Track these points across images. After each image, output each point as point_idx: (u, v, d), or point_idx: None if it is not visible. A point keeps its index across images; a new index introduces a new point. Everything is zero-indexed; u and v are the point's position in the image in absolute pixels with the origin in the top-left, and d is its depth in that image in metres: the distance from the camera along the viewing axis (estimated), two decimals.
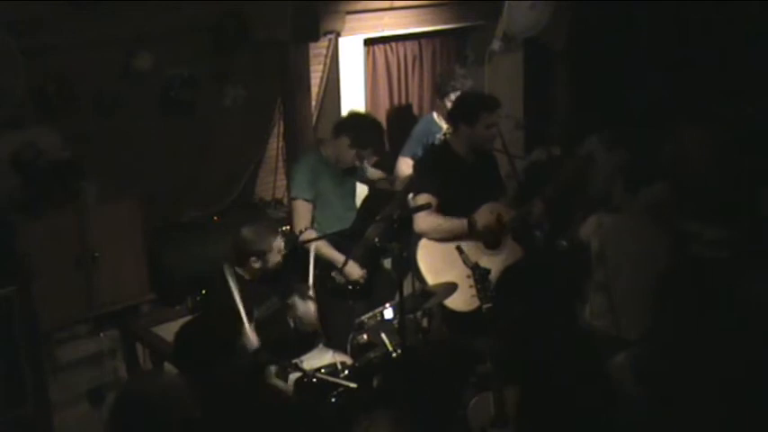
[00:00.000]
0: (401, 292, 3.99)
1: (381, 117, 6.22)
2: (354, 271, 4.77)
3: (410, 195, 4.97)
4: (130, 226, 4.77)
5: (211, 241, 5.03)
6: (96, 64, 4.81)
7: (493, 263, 4.56)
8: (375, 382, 4.17)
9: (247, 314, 4.08)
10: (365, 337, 4.38)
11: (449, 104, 5.42)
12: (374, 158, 5.20)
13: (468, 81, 5.60)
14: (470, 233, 4.62)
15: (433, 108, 5.99)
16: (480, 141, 4.76)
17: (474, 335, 4.31)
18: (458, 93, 5.37)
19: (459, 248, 4.24)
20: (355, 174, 5.07)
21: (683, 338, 3.99)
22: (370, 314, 4.43)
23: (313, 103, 5.77)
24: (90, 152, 4.72)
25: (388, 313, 4.38)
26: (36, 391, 4.27)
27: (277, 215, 5.48)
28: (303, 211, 4.75)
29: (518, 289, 4.72)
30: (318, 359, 4.31)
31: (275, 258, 4.34)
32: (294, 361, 4.09)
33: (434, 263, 4.63)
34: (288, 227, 4.76)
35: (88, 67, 4.78)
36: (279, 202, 5.82)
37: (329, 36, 5.71)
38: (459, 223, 4.62)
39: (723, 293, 3.95)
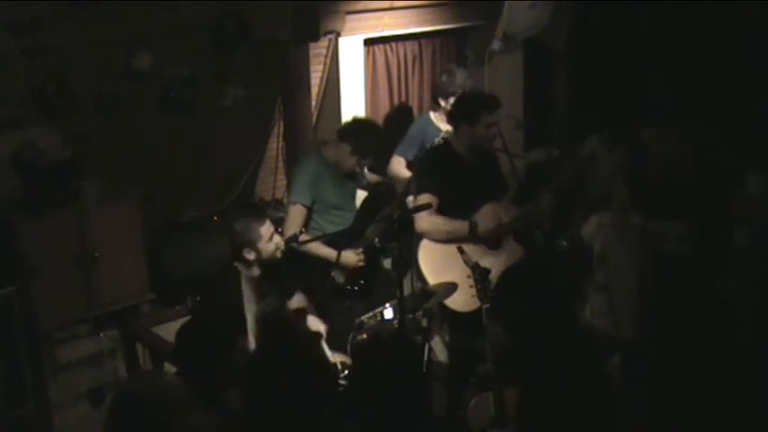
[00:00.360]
0: (401, 292, 3.99)
1: (381, 117, 6.23)
2: (350, 258, 4.74)
3: (409, 198, 4.98)
4: (130, 226, 4.77)
5: (211, 241, 5.02)
6: (96, 64, 4.81)
7: (493, 263, 4.56)
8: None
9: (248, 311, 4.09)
10: (365, 337, 4.38)
11: (448, 106, 5.42)
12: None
13: (468, 82, 5.60)
14: (471, 236, 4.61)
15: (430, 108, 5.99)
16: (480, 141, 4.76)
17: (474, 335, 4.31)
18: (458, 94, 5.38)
19: (460, 249, 4.25)
20: (356, 177, 5.06)
21: (666, 337, 4.00)
22: (370, 314, 4.42)
23: (313, 103, 5.77)
24: (90, 152, 4.72)
25: (388, 313, 4.38)
26: (36, 391, 4.26)
27: (277, 215, 5.48)
28: (297, 216, 4.72)
29: (518, 289, 4.72)
30: None
31: (267, 247, 4.36)
32: None
33: (435, 263, 4.62)
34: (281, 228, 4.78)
35: (88, 67, 4.78)
36: (279, 202, 5.82)
37: (329, 36, 5.71)
38: (460, 225, 4.62)
39: (697, 291, 3.96)
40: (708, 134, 4.58)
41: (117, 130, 4.95)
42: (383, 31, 6.03)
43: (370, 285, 4.88)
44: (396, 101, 6.41)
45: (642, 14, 6.31)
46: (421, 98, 6.53)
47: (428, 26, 6.26)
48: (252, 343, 4.09)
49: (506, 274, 4.68)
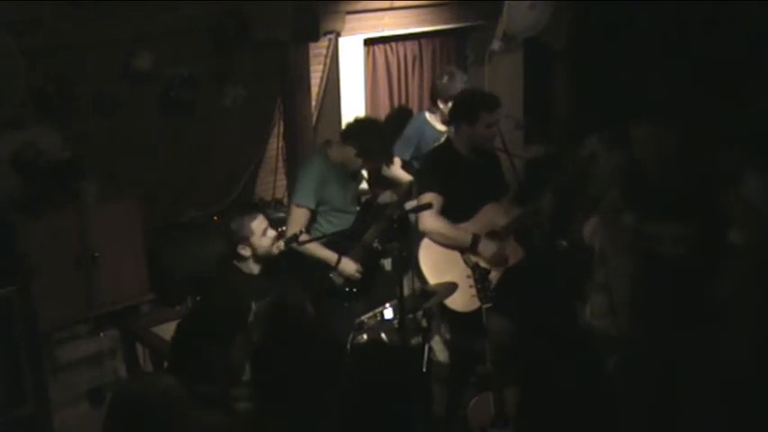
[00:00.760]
0: (401, 292, 3.99)
1: (381, 117, 6.23)
2: (348, 266, 4.75)
3: (408, 203, 4.98)
4: (130, 226, 4.77)
5: (211, 241, 5.03)
6: (96, 64, 4.81)
7: None
8: None
9: (248, 309, 4.10)
10: (365, 337, 4.38)
11: (446, 109, 5.42)
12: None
13: (466, 85, 5.60)
14: (471, 249, 4.61)
15: (427, 108, 5.99)
16: (480, 141, 4.76)
17: (474, 335, 4.31)
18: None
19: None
20: (358, 177, 5.06)
21: (661, 339, 4.00)
22: (370, 314, 4.43)
23: (313, 103, 5.77)
24: (90, 152, 4.72)
25: (388, 313, 4.38)
26: (36, 391, 4.26)
27: (277, 215, 5.48)
28: (300, 218, 4.72)
29: (518, 289, 4.72)
30: None
31: (262, 242, 4.38)
32: None
33: (435, 263, 4.63)
34: (285, 228, 4.78)
35: (88, 67, 4.78)
36: (279, 202, 5.82)
37: (329, 36, 5.71)
38: (463, 237, 4.61)
39: (693, 292, 3.96)
40: (706, 134, 4.57)
41: (117, 130, 4.95)
42: (383, 31, 6.03)
43: (368, 286, 4.88)
44: (396, 101, 6.41)
45: (642, 14, 6.31)
46: (421, 98, 6.53)
47: (428, 26, 6.26)
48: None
49: (506, 274, 4.69)
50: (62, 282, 4.50)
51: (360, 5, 5.74)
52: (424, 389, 4.12)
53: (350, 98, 6.06)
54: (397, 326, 4.11)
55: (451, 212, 4.65)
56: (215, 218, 5.38)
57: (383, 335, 4.24)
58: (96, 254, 4.60)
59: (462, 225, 4.66)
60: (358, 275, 4.77)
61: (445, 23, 6.35)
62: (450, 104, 5.30)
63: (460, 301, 4.42)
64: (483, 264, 4.38)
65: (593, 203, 4.59)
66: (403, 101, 6.46)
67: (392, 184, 5.58)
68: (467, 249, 4.59)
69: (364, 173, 5.44)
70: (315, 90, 5.79)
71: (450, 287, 4.33)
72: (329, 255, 4.72)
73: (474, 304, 4.22)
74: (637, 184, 4.21)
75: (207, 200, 5.49)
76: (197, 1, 5.00)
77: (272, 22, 5.34)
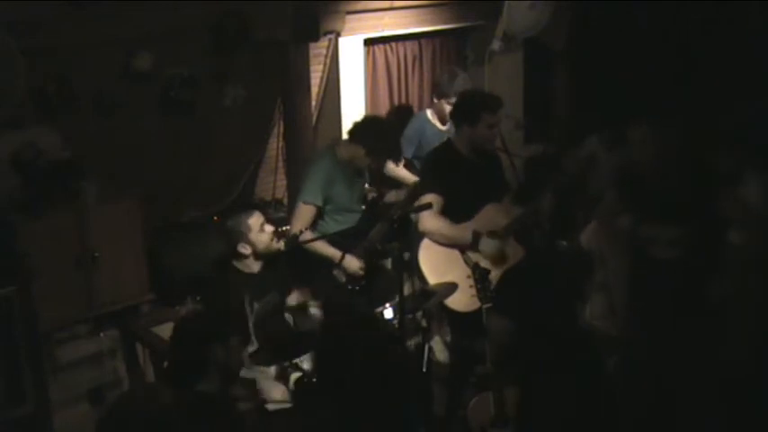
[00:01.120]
0: (401, 292, 3.99)
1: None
2: (352, 264, 4.75)
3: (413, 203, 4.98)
4: (130, 226, 4.77)
5: (211, 241, 5.03)
6: (96, 64, 4.81)
7: None
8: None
9: (249, 307, 4.10)
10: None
11: (446, 108, 5.42)
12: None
13: (468, 84, 5.60)
14: (472, 247, 4.60)
15: (428, 107, 5.99)
16: (481, 141, 4.76)
17: (474, 335, 4.31)
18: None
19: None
20: (364, 175, 5.06)
21: (659, 339, 4.00)
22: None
23: (313, 103, 5.77)
24: (90, 152, 4.72)
25: (388, 313, 4.38)
26: (36, 391, 4.26)
27: (277, 215, 5.49)
28: (306, 215, 4.73)
29: (518, 289, 4.72)
30: None
31: (260, 238, 4.38)
32: (294, 361, 4.09)
33: (435, 263, 4.62)
34: (287, 227, 4.78)
35: (88, 67, 4.78)
36: (279, 202, 5.82)
37: (329, 36, 5.71)
38: (463, 234, 4.61)
39: (690, 293, 3.96)
40: (705, 134, 4.57)
41: (117, 130, 4.95)
42: (383, 31, 6.03)
43: (371, 285, 4.88)
44: (396, 101, 6.41)
45: (642, 14, 6.32)
46: (421, 98, 6.53)
47: (428, 26, 6.27)
48: (253, 342, 4.10)
49: (506, 274, 4.68)
50: (62, 282, 4.50)
51: (360, 5, 5.74)
52: (424, 389, 4.13)
53: (350, 98, 6.06)
54: (397, 326, 4.11)
55: (452, 213, 4.65)
56: (215, 218, 5.39)
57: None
58: (96, 254, 4.60)
59: (463, 225, 4.66)
60: (361, 273, 4.78)
61: (445, 23, 6.36)
62: (451, 100, 5.32)
63: (461, 301, 4.41)
64: (483, 263, 4.37)
65: (592, 203, 4.59)
66: (403, 101, 6.46)
67: (397, 183, 5.58)
68: (467, 247, 4.59)
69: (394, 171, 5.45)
70: (315, 90, 5.79)
71: (451, 287, 4.33)
72: (333, 252, 4.73)
73: (474, 304, 4.22)
74: (634, 186, 4.21)
75: (207, 200, 5.49)
76: (197, 1, 5.00)
77: (272, 22, 5.34)
